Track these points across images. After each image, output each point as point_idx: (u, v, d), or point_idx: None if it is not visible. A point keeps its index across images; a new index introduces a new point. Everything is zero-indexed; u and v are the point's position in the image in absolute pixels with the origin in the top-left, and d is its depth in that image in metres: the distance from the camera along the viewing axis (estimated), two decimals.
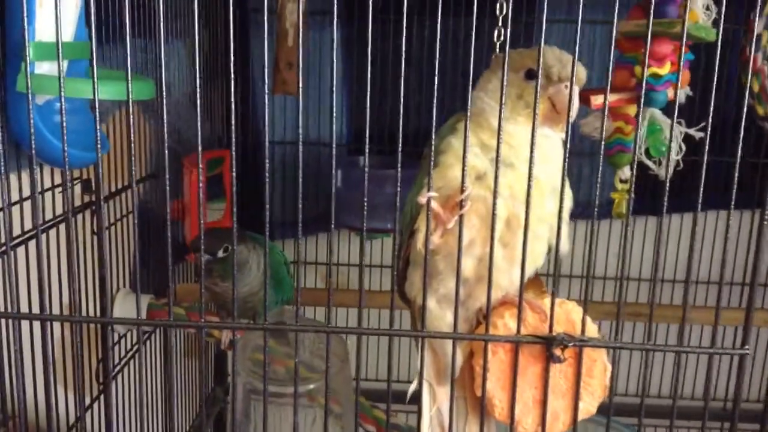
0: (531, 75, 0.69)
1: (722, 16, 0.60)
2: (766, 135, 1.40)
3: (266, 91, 0.68)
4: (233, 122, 0.60)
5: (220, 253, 1.05)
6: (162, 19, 0.59)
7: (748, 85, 1.37)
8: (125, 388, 1.19)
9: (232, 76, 0.58)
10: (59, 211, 0.95)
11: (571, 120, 0.64)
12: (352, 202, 1.53)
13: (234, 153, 0.66)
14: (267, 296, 1.22)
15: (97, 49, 1.03)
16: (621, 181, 1.10)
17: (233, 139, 0.65)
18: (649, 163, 1.07)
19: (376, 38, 1.54)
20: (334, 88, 0.61)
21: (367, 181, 0.62)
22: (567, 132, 0.61)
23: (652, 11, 0.62)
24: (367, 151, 0.62)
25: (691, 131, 1.05)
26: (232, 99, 0.60)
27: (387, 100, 1.62)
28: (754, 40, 1.39)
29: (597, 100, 0.99)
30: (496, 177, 0.59)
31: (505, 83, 0.59)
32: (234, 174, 0.66)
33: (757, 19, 1.42)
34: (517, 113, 0.69)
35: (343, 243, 1.85)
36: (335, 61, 1.70)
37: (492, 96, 0.69)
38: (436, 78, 0.59)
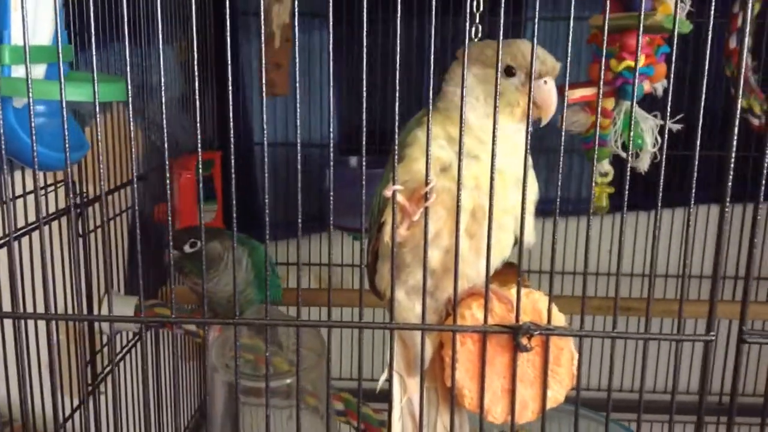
0: (509, 71, 0.69)
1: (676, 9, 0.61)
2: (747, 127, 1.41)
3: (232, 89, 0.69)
4: (199, 121, 0.61)
5: (187, 248, 1.03)
6: (125, 20, 0.60)
7: (729, 77, 1.37)
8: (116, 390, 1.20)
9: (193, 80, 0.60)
10: (43, 212, 0.96)
11: (552, 114, 0.64)
12: (341, 202, 1.54)
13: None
14: (252, 295, 1.23)
15: (80, 54, 1.05)
16: (600, 174, 1.10)
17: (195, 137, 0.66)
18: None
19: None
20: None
21: (332, 181, 0.64)
22: (528, 123, 0.62)
23: (608, 4, 0.63)
24: (331, 150, 0.64)
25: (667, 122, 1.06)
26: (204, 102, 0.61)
27: (376, 101, 1.62)
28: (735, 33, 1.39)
29: (573, 94, 1.00)
30: (459, 168, 0.60)
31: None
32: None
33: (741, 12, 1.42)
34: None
35: (335, 243, 1.85)
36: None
37: (466, 91, 0.70)
38: (397, 75, 0.60)
